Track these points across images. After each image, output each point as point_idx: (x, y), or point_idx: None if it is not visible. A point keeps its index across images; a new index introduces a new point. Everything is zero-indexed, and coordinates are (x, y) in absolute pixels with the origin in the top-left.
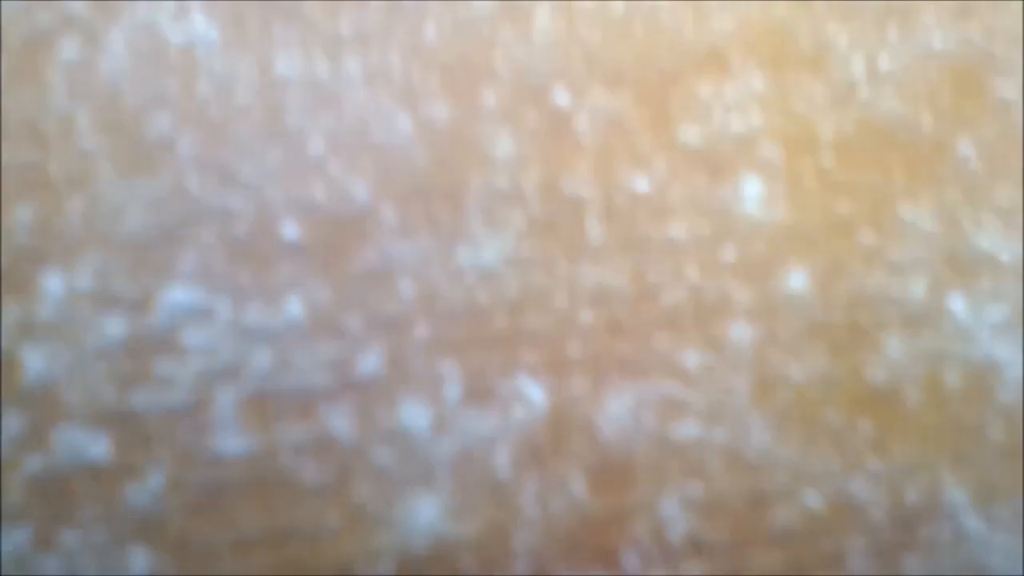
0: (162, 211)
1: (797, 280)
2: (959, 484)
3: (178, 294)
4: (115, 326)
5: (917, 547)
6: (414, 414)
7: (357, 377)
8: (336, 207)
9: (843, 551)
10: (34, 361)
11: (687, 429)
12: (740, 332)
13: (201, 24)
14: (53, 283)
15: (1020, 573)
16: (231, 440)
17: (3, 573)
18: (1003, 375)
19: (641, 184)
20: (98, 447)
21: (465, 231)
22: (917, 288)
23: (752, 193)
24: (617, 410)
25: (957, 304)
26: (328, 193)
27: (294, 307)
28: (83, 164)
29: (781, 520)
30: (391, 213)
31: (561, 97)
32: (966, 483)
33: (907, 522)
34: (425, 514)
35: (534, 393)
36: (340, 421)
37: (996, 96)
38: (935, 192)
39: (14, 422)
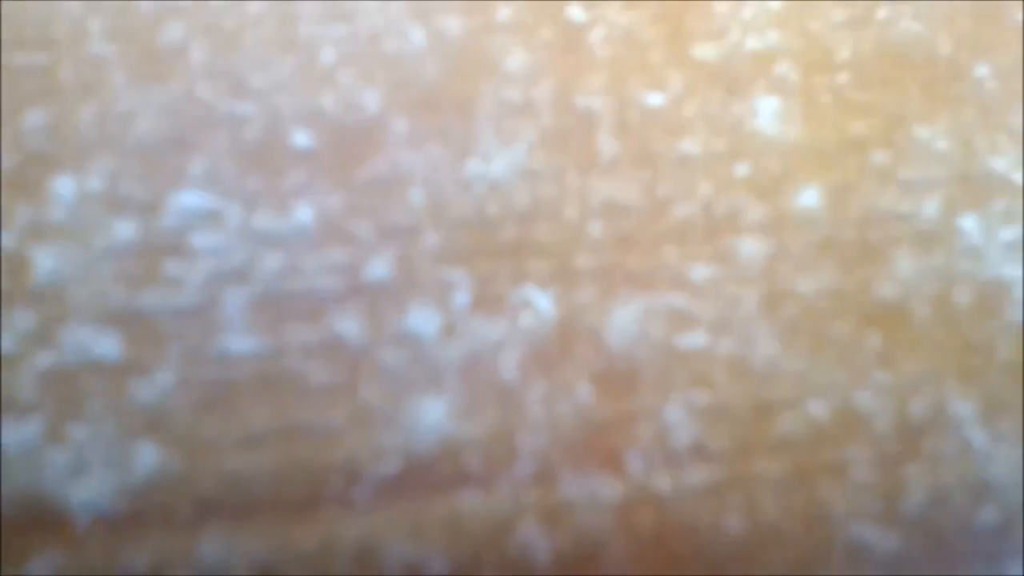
0: (173, 117)
1: (809, 197)
2: (965, 398)
3: (188, 198)
4: (125, 228)
5: (921, 458)
6: (422, 319)
7: (366, 282)
8: (347, 116)
9: (846, 460)
10: (44, 261)
11: (693, 339)
12: (750, 246)
13: None
14: (64, 186)
15: (1022, 483)
16: (239, 340)
17: (12, 463)
18: (1012, 294)
19: (655, 99)
20: (107, 345)
21: (475, 142)
22: (929, 207)
23: (767, 110)
24: (624, 320)
25: (969, 224)
26: (339, 102)
27: (303, 213)
28: (95, 70)
29: (785, 428)
30: (401, 123)
31: (576, 12)
32: (972, 398)
33: (912, 434)
34: (432, 415)
35: (542, 302)
36: (348, 323)
37: (1014, 21)
38: (950, 114)
39: (24, 319)
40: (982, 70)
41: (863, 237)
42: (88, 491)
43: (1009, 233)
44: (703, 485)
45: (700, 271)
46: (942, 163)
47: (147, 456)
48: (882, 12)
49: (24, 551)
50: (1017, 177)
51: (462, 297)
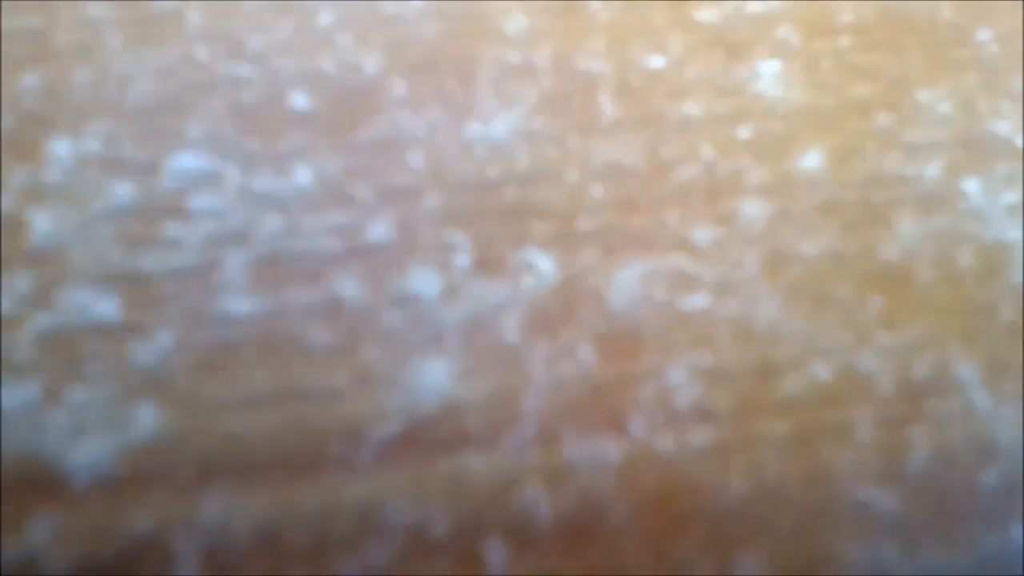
0: (170, 80)
1: (811, 159)
2: (968, 360)
3: (186, 159)
4: (123, 190)
5: (924, 419)
6: (423, 280)
7: (366, 243)
8: (345, 79)
9: (850, 421)
10: (42, 223)
11: (696, 300)
12: (752, 208)
13: None
14: (61, 148)
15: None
16: (239, 301)
17: (11, 425)
18: (1015, 256)
19: (656, 62)
20: (106, 306)
21: (475, 104)
22: (932, 170)
23: (769, 73)
24: (626, 281)
25: (971, 187)
26: (337, 65)
27: (303, 175)
28: (91, 33)
29: (788, 390)
30: (401, 85)
31: None
32: (975, 359)
33: (915, 395)
34: (433, 376)
35: (543, 264)
36: (349, 285)
37: None
38: (953, 78)
39: (22, 281)
40: (984, 35)
41: (866, 199)
42: (87, 453)
43: (1011, 196)
44: (706, 446)
45: (702, 233)
46: (945, 127)
47: (147, 418)
48: None
49: (23, 512)
50: (1019, 141)
51: (463, 259)
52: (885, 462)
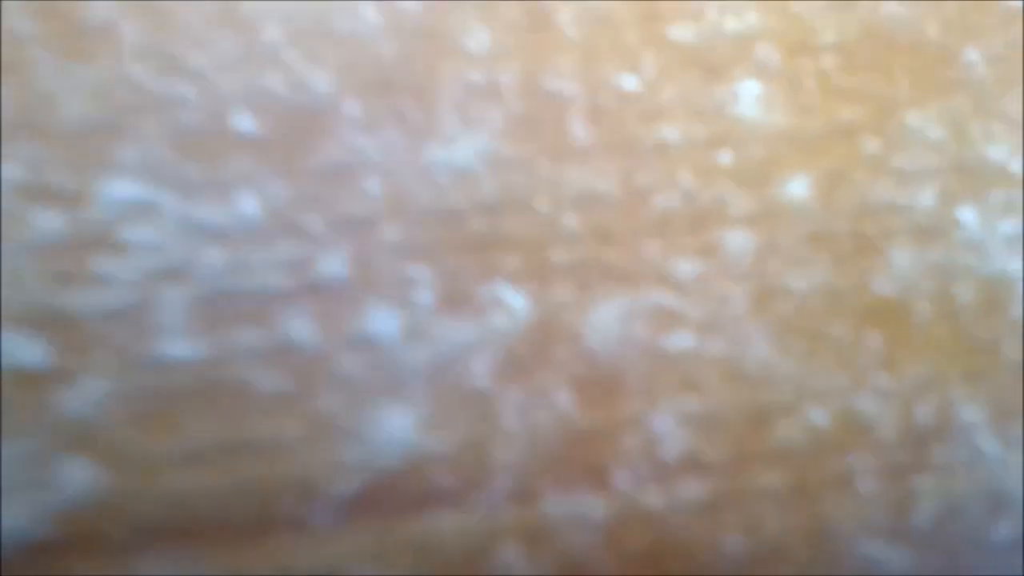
0: (102, 100)
1: (798, 187)
2: (972, 402)
3: (119, 187)
4: (49, 220)
5: (930, 468)
6: (382, 320)
7: (319, 280)
8: (294, 99)
9: (851, 471)
10: None
11: (680, 340)
12: (737, 240)
13: None
14: None
15: None
16: (179, 344)
17: None
18: (1016, 289)
19: (629, 82)
20: (30, 350)
21: (436, 127)
22: (926, 198)
23: (749, 95)
24: (605, 319)
25: (967, 216)
26: (285, 84)
27: (248, 204)
28: (14, 48)
29: (784, 437)
30: (355, 106)
31: None
32: (980, 401)
33: (919, 441)
34: (396, 426)
35: (514, 300)
36: (300, 326)
37: (1003, 6)
38: (942, 100)
39: None
40: (972, 55)
41: (857, 230)
42: (9, 515)
43: (1009, 226)
44: (697, 500)
45: (685, 266)
46: (936, 152)
47: (76, 474)
48: None
49: None
50: (1015, 166)
51: (425, 296)
52: (890, 515)
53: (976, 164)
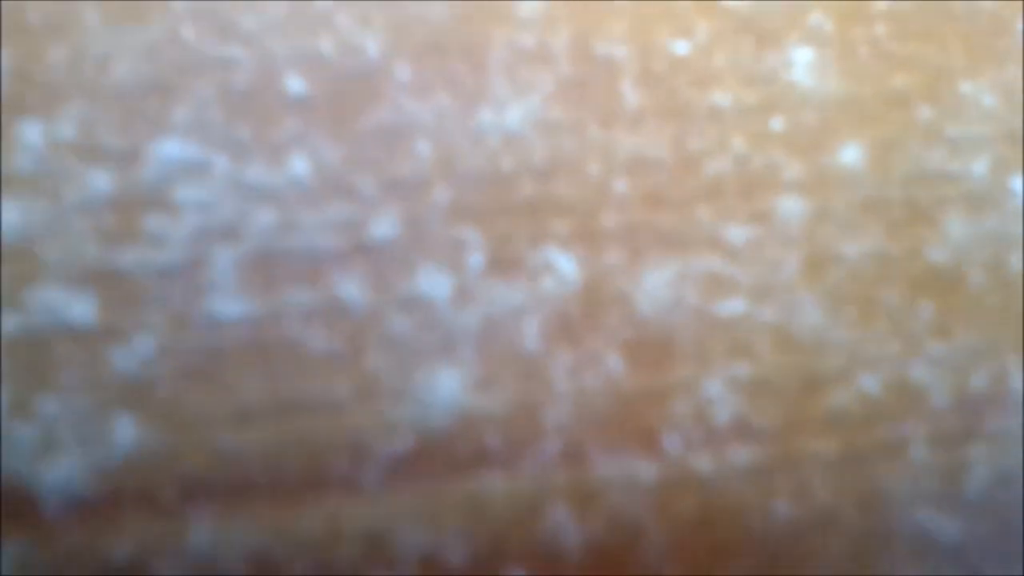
0: (154, 61)
1: (851, 154)
2: None
3: (171, 147)
4: (101, 180)
5: (982, 436)
6: (433, 282)
7: (370, 240)
8: (345, 62)
9: (904, 438)
10: (10, 215)
11: (732, 306)
12: (789, 206)
13: None
14: (32, 133)
15: None
16: (229, 303)
17: None
18: None
19: (681, 47)
20: (81, 308)
21: (487, 91)
22: (979, 167)
23: (802, 61)
24: (656, 284)
25: (1020, 185)
26: (337, 46)
27: (299, 165)
28: (67, 8)
29: (835, 404)
30: (405, 70)
31: None
32: None
33: (972, 410)
34: (446, 387)
35: (565, 264)
36: (351, 286)
37: None
38: (996, 69)
39: None
40: None
41: (910, 197)
42: (60, 472)
43: None
44: (748, 466)
45: (737, 232)
46: (989, 120)
47: (126, 432)
48: None
49: None
50: None
51: (476, 258)
52: (943, 483)
53: None
